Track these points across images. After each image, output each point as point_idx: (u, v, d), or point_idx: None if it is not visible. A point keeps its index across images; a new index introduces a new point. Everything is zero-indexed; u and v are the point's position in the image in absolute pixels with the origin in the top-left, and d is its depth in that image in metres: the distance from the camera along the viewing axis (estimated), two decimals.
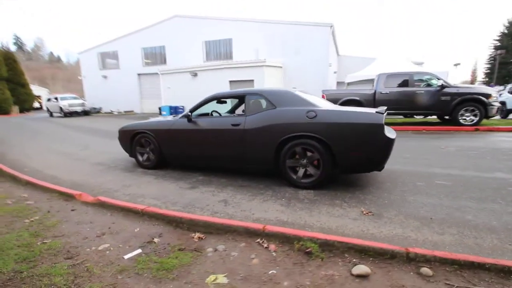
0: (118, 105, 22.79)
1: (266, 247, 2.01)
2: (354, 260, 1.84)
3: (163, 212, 2.51)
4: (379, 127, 3.05)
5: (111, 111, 22.77)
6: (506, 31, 51.10)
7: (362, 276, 1.68)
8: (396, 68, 16.00)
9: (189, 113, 4.05)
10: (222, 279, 1.68)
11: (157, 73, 18.70)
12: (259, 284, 1.65)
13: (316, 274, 1.72)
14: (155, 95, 20.91)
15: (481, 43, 71.10)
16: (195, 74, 16.12)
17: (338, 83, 21.35)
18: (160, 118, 4.93)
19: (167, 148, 4.39)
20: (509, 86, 13.91)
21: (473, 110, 8.08)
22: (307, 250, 1.92)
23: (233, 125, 3.76)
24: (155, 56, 21.57)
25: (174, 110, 16.53)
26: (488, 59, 52.63)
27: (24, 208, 2.86)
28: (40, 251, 2.00)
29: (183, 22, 19.87)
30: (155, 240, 2.19)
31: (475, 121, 8.06)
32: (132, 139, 4.73)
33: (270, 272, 1.75)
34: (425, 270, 1.70)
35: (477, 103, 8.03)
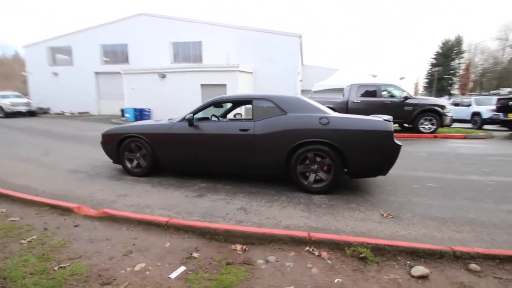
0: (71, 105, 20.59)
1: (318, 255, 1.98)
2: (408, 262, 1.91)
3: (193, 224, 2.31)
4: (390, 134, 3.25)
5: (62, 111, 20.47)
6: (440, 51, 58.89)
7: (423, 277, 1.75)
8: (357, 79, 17.23)
9: (192, 117, 3.83)
10: None
11: (118, 73, 17.40)
12: None
13: (380, 279, 1.74)
14: (115, 95, 19.40)
15: (421, 60, 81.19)
16: (163, 76, 15.39)
17: (303, 91, 22.31)
18: (149, 122, 4.58)
19: (163, 153, 4.08)
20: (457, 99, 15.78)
21: (431, 120, 9.09)
22: (360, 256, 1.94)
23: (241, 130, 3.66)
24: (116, 55, 20.08)
25: (139, 113, 15.53)
26: (426, 74, 59.85)
27: (12, 227, 2.38)
28: (63, 278, 1.68)
29: (149, 21, 18.92)
30: (195, 255, 2.00)
31: (432, 129, 9.08)
32: (120, 144, 4.30)
33: (336, 281, 1.72)
34: (474, 266, 1.84)
35: (434, 113, 9.06)
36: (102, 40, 20.12)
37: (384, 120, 3.36)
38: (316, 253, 2.00)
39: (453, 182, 4.04)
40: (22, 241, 2.12)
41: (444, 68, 49.13)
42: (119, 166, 4.83)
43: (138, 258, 1.95)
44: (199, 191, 3.61)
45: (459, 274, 1.79)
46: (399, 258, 1.94)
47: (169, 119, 4.58)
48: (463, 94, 34.45)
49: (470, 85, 43.24)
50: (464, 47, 55.81)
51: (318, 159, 3.47)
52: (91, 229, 2.38)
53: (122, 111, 16.44)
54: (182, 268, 1.82)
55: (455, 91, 49.54)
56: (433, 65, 56.40)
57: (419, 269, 1.79)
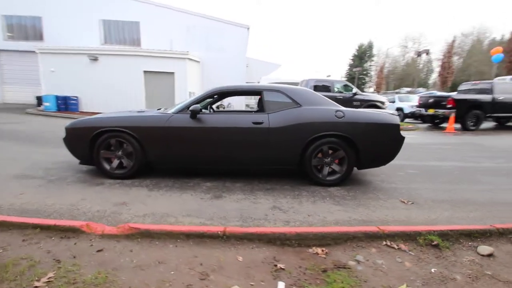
0: None
1: (398, 248, 1.99)
2: (469, 243, 2.10)
3: (256, 231, 2.02)
4: (398, 127, 3.51)
5: None
6: (356, 53, 67.31)
7: (491, 255, 1.95)
8: (301, 74, 18.23)
9: (197, 108, 3.34)
10: None
11: (31, 51, 14.12)
12: (439, 284, 1.64)
13: (463, 262, 1.87)
14: (26, 79, 15.72)
15: (341, 60, 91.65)
16: (95, 58, 13.15)
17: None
18: (132, 112, 3.83)
19: (157, 151, 3.48)
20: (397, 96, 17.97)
21: None
22: (433, 243, 2.04)
23: (255, 123, 3.40)
24: (26, 29, 16.15)
25: (63, 101, 13.01)
26: (346, 74, 67.73)
27: (2, 264, 1.63)
28: None
29: None
30: (280, 265, 1.75)
31: None
32: (94, 140, 3.48)
33: (433, 271, 1.76)
34: None
35: (376, 108, 10.33)
36: (5, 10, 15.86)
37: (391, 113, 3.61)
38: (395, 246, 2.01)
39: (425, 168, 4.66)
40: (38, 284, 1.48)
41: (354, 69, 56.76)
42: (85, 167, 3.95)
43: (221, 279, 1.60)
44: (211, 191, 3.23)
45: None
46: (461, 240, 2.12)
47: (159, 110, 3.93)
48: (378, 92, 40.28)
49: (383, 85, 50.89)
50: (374, 51, 65.24)
51: (330, 151, 3.51)
52: (125, 252, 1.84)
53: (39, 99, 13.52)
54: (281, 284, 1.58)
55: (369, 89, 57.40)
56: (351, 66, 64.46)
57: (485, 248, 2.00)
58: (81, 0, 15.66)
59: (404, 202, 3.06)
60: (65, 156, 4.58)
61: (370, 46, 65.13)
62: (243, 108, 14.56)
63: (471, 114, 10.15)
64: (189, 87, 13.85)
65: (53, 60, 13.04)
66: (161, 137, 3.44)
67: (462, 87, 11.83)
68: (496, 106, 10.21)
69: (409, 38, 56.55)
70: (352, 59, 65.98)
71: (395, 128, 3.50)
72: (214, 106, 4.88)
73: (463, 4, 68.29)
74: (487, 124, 11.47)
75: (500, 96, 10.16)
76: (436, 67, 50.45)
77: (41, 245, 1.87)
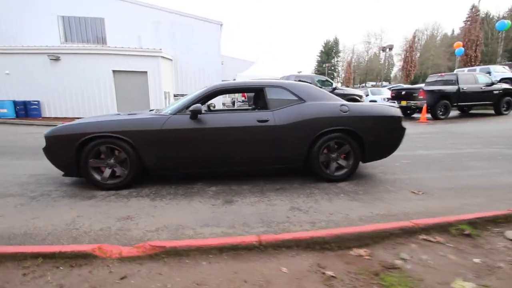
0: None
1: (436, 241, 1.97)
2: (495, 229, 2.15)
3: (292, 237, 1.87)
4: (400, 119, 3.56)
5: None
6: (323, 50, 69.37)
7: None
8: (276, 70, 18.31)
9: (199, 108, 3.10)
10: (465, 284, 1.53)
11: None
12: (490, 275, 1.63)
13: (498, 249, 1.89)
14: None
15: (309, 56, 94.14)
16: (56, 58, 12.02)
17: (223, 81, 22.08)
18: (122, 115, 3.46)
19: (156, 156, 3.18)
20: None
21: None
22: (465, 233, 2.05)
23: (260, 121, 3.25)
24: None
25: (23, 107, 11.77)
26: (315, 70, 69.49)
27: None
28: None
29: None
30: (329, 273, 1.63)
31: None
32: (81, 148, 3.09)
33: (476, 261, 1.76)
34: None
35: (355, 101, 10.65)
36: None
37: (392, 106, 3.65)
38: (432, 239, 1.99)
39: (416, 158, 4.83)
40: None
41: (324, 65, 58.64)
42: (69, 179, 3.53)
43: None
44: (220, 196, 3.02)
45: None
46: (488, 227, 2.17)
47: (152, 111, 3.61)
48: (347, 86, 41.88)
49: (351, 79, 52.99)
50: (340, 47, 67.76)
51: (335, 147, 3.47)
52: (154, 277, 1.59)
53: None
54: None
55: (337, 84, 59.57)
56: (319, 62, 66.46)
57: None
58: None
59: (415, 192, 3.10)
60: (38, 167, 4.09)
61: (336, 43, 67.57)
62: (221, 107, 14.23)
63: (440, 104, 10.84)
64: (163, 87, 13.22)
65: (7, 61, 11.68)
66: (159, 141, 3.14)
67: (430, 79, 12.61)
68: (461, 96, 11.00)
69: (371, 35, 59.52)
70: (319, 56, 68.06)
71: (398, 120, 3.54)
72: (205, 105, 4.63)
73: (418, 2, 73.45)
74: (453, 113, 12.36)
75: (464, 87, 10.96)
76: (397, 61, 53.83)
77: (49, 278, 1.55)
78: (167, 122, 3.16)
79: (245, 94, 10.57)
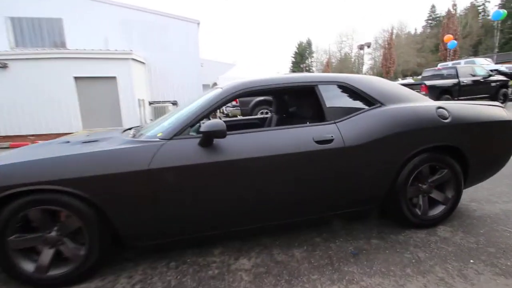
0: None
1: None
2: None
3: None
4: (510, 123, 2.39)
5: None
6: (297, 51, 69.96)
7: None
8: (257, 73, 17.11)
9: (221, 127, 1.69)
10: None
11: None
12: None
13: None
14: None
15: (284, 57, 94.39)
16: (3, 66, 9.91)
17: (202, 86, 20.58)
18: (74, 145, 1.97)
19: (137, 217, 1.74)
20: None
21: None
22: None
23: (319, 142, 1.92)
24: None
25: None
26: (290, 71, 69.84)
27: None
28: None
29: None
30: None
31: None
32: None
33: None
34: None
35: None
36: None
37: (498, 105, 2.49)
38: None
39: None
40: None
41: (301, 66, 59.10)
42: None
43: None
44: (266, 281, 1.66)
45: None
46: None
47: (127, 133, 2.16)
48: None
49: None
50: (313, 48, 68.51)
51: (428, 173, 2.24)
52: None
53: None
54: None
55: None
56: (293, 63, 66.77)
57: None
58: None
59: None
60: None
61: (309, 44, 68.10)
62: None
63: (442, 99, 10.20)
64: (137, 94, 11.47)
65: None
66: (146, 191, 1.71)
67: (425, 73, 12.05)
68: (461, 89, 10.44)
69: (343, 35, 60.48)
70: (294, 57, 68.34)
71: (509, 125, 2.38)
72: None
73: (383, 2, 76.28)
74: None
75: (464, 80, 10.41)
76: (367, 60, 55.06)
77: None
78: (160, 154, 1.74)
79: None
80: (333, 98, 2.17)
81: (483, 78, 10.92)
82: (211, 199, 1.83)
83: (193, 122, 1.88)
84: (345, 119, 2.05)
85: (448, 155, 2.20)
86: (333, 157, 1.95)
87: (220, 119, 3.18)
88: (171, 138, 1.81)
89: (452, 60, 19.87)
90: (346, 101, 2.19)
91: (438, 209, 2.27)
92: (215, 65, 22.72)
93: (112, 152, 1.73)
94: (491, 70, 14.79)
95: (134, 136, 2.01)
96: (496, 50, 21.10)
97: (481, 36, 39.05)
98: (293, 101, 2.89)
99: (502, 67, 14.60)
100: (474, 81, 10.62)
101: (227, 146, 1.83)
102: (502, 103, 11.36)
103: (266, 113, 8.64)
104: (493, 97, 11.11)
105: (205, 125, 1.72)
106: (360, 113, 2.08)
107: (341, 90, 2.21)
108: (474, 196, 2.79)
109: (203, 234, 1.96)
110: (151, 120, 12.01)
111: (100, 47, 12.43)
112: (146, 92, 13.10)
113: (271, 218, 2.04)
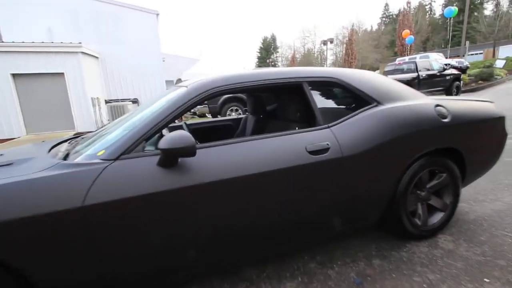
0: None
1: None
2: None
3: None
4: (504, 120, 2.26)
5: None
6: (262, 46, 70.06)
7: None
8: (223, 68, 16.49)
9: (188, 141, 1.24)
10: None
11: None
12: None
13: None
14: None
15: (249, 53, 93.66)
16: None
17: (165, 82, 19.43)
18: None
19: (65, 275, 1.22)
20: None
21: None
22: None
23: (313, 152, 1.56)
24: None
25: None
26: (256, 66, 69.86)
27: None
28: None
29: None
30: None
31: None
32: None
33: None
34: None
35: None
36: None
37: (489, 101, 2.34)
38: None
39: None
40: None
41: (268, 61, 59.37)
42: None
43: None
44: None
45: None
46: None
47: (52, 148, 1.60)
48: None
49: None
50: (278, 43, 69.03)
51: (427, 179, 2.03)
52: None
53: None
54: None
55: None
56: (259, 58, 66.77)
57: None
58: None
59: None
60: None
61: (273, 39, 68.38)
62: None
63: None
64: (89, 92, 10.25)
65: None
66: (79, 239, 1.20)
67: (388, 68, 12.46)
68: (420, 83, 10.96)
69: (306, 30, 61.82)
70: (259, 52, 68.26)
71: (502, 122, 2.25)
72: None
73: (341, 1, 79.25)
74: None
75: (423, 74, 10.94)
76: (330, 55, 56.95)
77: None
78: (100, 183, 1.24)
79: None
80: (323, 97, 1.83)
81: (439, 72, 11.55)
82: (177, 235, 1.38)
83: (149, 134, 1.39)
84: (340, 122, 1.71)
85: (449, 158, 1.99)
86: (330, 170, 1.61)
87: (185, 123, 2.67)
88: (117, 158, 1.31)
89: (408, 55, 21.15)
90: (339, 101, 1.87)
91: (437, 217, 2.07)
92: (179, 60, 21.53)
93: (30, 183, 1.19)
94: (445, 65, 15.94)
95: (65, 156, 1.47)
96: (449, 45, 22.86)
97: (429, 33, 42.32)
98: (274, 99, 2.50)
99: (453, 61, 15.71)
100: (430, 74, 11.19)
101: (197, 164, 1.38)
102: (455, 95, 12.22)
103: (237, 110, 8.15)
104: (447, 90, 11.86)
105: (166, 139, 1.25)
106: (356, 114, 1.77)
107: (331, 87, 1.87)
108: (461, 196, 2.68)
109: (169, 278, 1.50)
110: (109, 121, 10.88)
111: (43, 39, 10.88)
112: (101, 89, 11.84)
113: (257, 248, 1.65)
